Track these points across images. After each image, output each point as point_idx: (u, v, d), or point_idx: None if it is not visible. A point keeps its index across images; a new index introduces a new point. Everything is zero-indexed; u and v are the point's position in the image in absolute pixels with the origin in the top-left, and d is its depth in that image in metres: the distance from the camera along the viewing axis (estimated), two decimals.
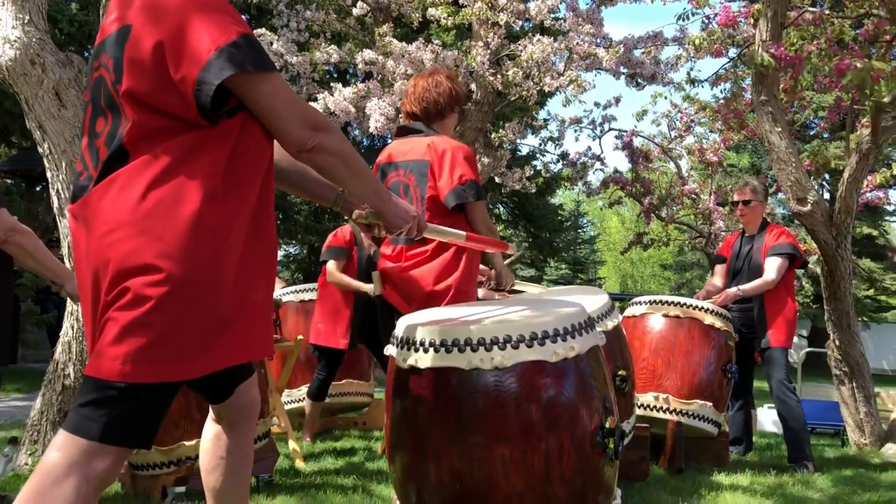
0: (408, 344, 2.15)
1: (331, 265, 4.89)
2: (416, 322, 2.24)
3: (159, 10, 1.61)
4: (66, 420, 1.61)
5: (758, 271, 4.77)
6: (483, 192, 3.22)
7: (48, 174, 4.06)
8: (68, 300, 3.99)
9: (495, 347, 2.02)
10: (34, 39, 3.83)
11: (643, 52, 7.31)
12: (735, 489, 3.89)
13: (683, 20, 7.32)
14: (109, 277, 1.57)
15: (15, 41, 3.80)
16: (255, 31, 7.24)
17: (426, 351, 2.09)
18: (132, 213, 1.57)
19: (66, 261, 4.00)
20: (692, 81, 7.81)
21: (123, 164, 1.61)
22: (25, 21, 3.85)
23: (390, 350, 2.29)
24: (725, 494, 3.75)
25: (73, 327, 4.05)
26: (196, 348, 1.59)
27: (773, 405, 5.09)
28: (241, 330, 1.68)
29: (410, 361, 2.12)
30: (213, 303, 1.60)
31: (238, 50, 1.58)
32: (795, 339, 5.18)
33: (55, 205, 4.11)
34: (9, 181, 13.88)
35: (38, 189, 12.99)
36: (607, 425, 2.12)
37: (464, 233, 2.43)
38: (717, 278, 5.14)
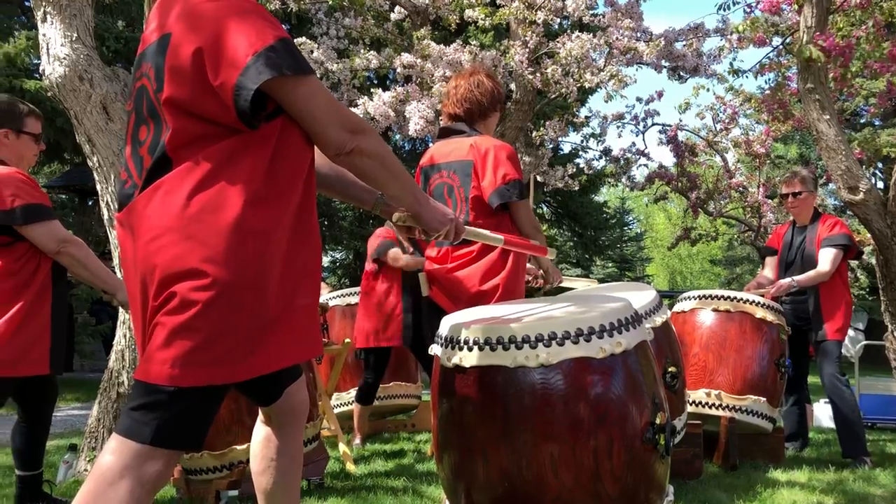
0: (452, 343, 2.15)
1: (392, 253, 4.85)
2: (460, 321, 2.24)
3: (197, 17, 1.63)
4: (119, 424, 1.63)
5: (811, 262, 4.66)
6: (526, 191, 3.21)
7: (98, 186, 4.15)
8: (121, 310, 4.09)
9: (540, 345, 2.00)
10: (82, 56, 3.93)
11: (685, 45, 7.21)
12: (792, 486, 3.80)
13: (725, 10, 7.19)
14: (156, 282, 1.60)
15: (64, 58, 3.90)
16: (295, 40, 7.35)
17: (470, 349, 2.08)
18: (176, 218, 1.59)
19: (117, 272, 4.08)
20: (735, 72, 7.66)
21: (167, 172, 1.63)
22: (73, 38, 3.94)
23: (435, 349, 2.29)
24: (783, 491, 3.66)
25: (125, 336, 4.13)
26: (243, 351, 1.61)
27: (828, 400, 4.97)
28: (287, 332, 1.69)
29: (455, 360, 2.12)
30: (258, 306, 1.62)
31: (275, 54, 1.59)
32: (851, 332, 5.06)
33: (105, 216, 4.20)
34: (62, 196, 14.27)
35: (89, 203, 13.31)
36: (657, 421, 2.09)
37: (502, 236, 2.42)
38: (767, 270, 5.03)
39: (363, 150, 1.74)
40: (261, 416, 2.05)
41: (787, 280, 4.59)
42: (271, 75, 1.58)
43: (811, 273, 4.57)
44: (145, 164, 1.68)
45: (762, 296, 4.49)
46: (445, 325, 2.24)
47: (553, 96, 7.44)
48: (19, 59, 8.35)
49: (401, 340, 4.85)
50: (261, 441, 2.04)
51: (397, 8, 7.46)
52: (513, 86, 7.11)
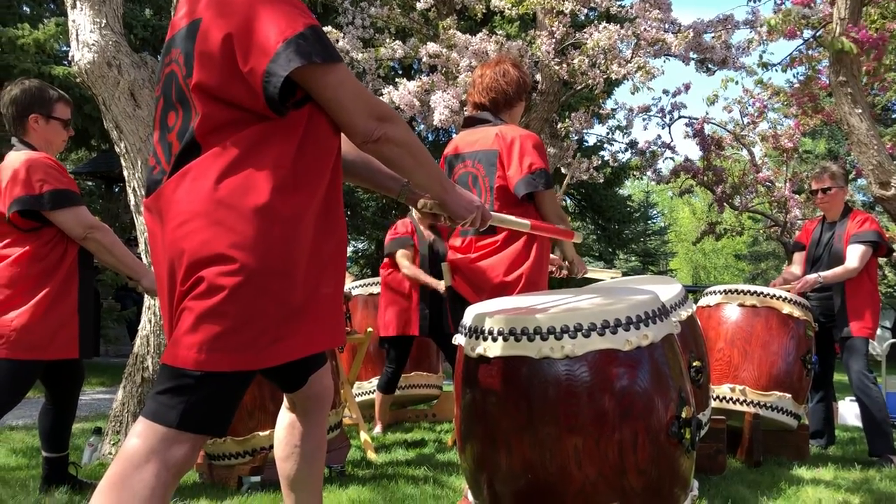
0: (476, 333, 2.14)
1: (401, 255, 4.90)
2: (484, 311, 2.23)
3: (227, 3, 1.63)
4: (145, 407, 1.64)
5: (839, 259, 4.59)
6: (552, 180, 3.18)
7: (125, 172, 4.18)
8: (146, 295, 4.12)
9: (566, 336, 1.99)
10: (111, 42, 3.95)
11: (713, 37, 7.13)
12: (817, 483, 3.76)
13: (755, 1, 7.10)
14: (184, 268, 1.60)
15: (93, 45, 3.93)
16: None
17: (495, 340, 2.07)
18: (204, 204, 1.60)
19: (143, 258, 4.12)
20: (765, 65, 7.56)
21: (195, 157, 1.63)
22: (102, 25, 3.97)
23: (459, 339, 2.28)
24: (807, 489, 3.62)
25: (150, 321, 4.17)
26: (269, 338, 1.61)
27: (854, 398, 4.90)
28: (313, 319, 1.69)
29: (479, 350, 2.11)
30: (285, 292, 1.62)
31: (305, 41, 1.59)
32: (879, 330, 4.97)
33: (131, 202, 4.23)
34: (89, 183, 14.42)
35: (116, 190, 13.45)
36: (683, 415, 2.07)
37: (528, 221, 2.40)
38: (795, 266, 4.97)
39: (390, 138, 1.73)
40: (285, 403, 2.06)
41: (812, 276, 4.53)
42: (301, 63, 1.57)
43: (838, 269, 4.51)
44: (174, 149, 1.68)
45: (788, 291, 4.44)
46: (470, 315, 2.23)
47: (579, 87, 7.40)
48: (48, 45, 8.42)
49: (418, 330, 4.86)
50: (285, 427, 2.05)
51: None
52: (538, 76, 7.07)
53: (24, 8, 10.85)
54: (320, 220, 1.71)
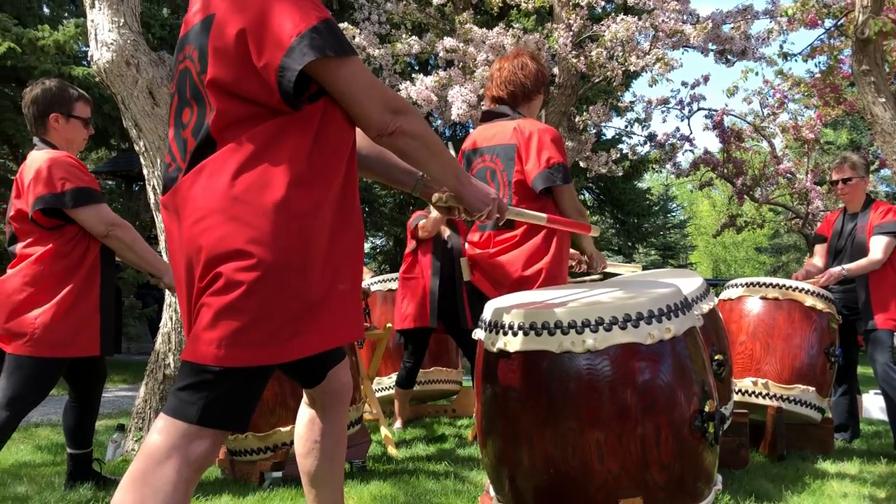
0: (496, 327, 2.13)
1: (422, 222, 4.81)
2: (504, 305, 2.21)
3: None
4: (167, 404, 1.65)
5: (862, 250, 4.53)
6: (570, 175, 3.16)
7: (144, 171, 4.20)
8: (167, 293, 4.15)
9: (587, 330, 1.97)
10: (129, 41, 3.97)
11: (732, 27, 7.06)
12: (842, 477, 3.72)
13: None
14: (202, 264, 1.60)
15: (111, 44, 3.95)
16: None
17: (515, 334, 2.06)
18: (221, 200, 1.59)
19: (163, 255, 4.14)
20: (785, 55, 7.47)
21: (211, 153, 1.63)
22: (120, 24, 3.99)
23: (479, 334, 2.27)
24: (832, 483, 3.58)
25: (171, 318, 4.19)
26: (288, 332, 1.61)
27: (879, 391, 4.84)
28: (331, 314, 1.68)
29: (499, 345, 2.09)
30: (302, 287, 1.61)
31: (319, 35, 1.58)
32: None
33: (151, 200, 4.26)
34: (110, 182, 14.53)
35: (136, 189, 13.55)
36: (706, 409, 2.05)
37: (545, 215, 2.38)
38: (817, 258, 4.91)
39: (405, 131, 1.73)
40: (305, 399, 2.06)
41: (836, 268, 4.47)
42: (315, 56, 1.56)
43: (862, 261, 4.45)
44: (189, 146, 1.68)
45: (812, 285, 4.38)
46: (489, 310, 2.22)
47: (597, 80, 7.34)
48: (68, 46, 8.49)
49: (430, 321, 4.83)
50: (305, 423, 2.04)
51: None
52: (556, 70, 7.03)
53: (45, 9, 10.95)
54: (337, 213, 1.70)
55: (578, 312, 2.00)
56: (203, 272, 1.60)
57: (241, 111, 1.63)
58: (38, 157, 3.08)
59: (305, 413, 2.06)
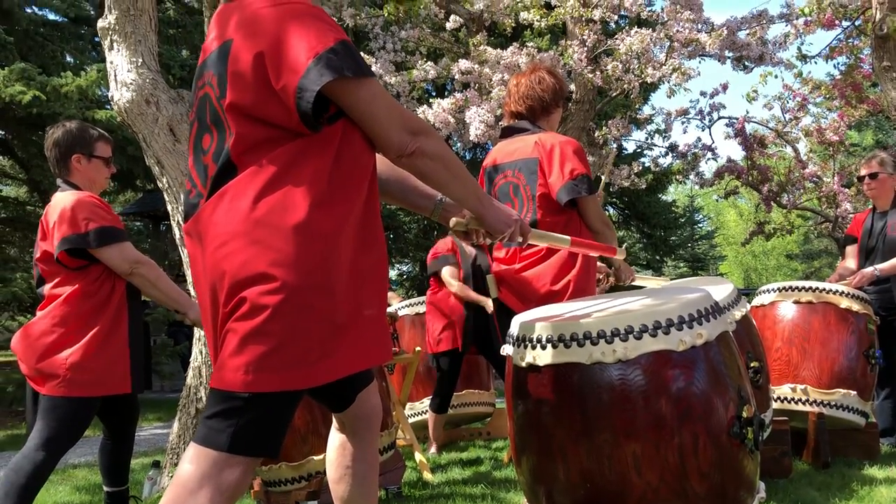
0: (524, 342, 2.10)
1: (446, 272, 4.87)
2: (531, 318, 2.19)
3: (258, 22, 1.63)
4: (197, 433, 1.64)
5: (894, 248, 4.44)
6: (594, 186, 3.14)
7: (168, 207, 4.24)
8: (195, 328, 4.16)
9: (616, 339, 1.94)
10: (147, 80, 4.03)
11: (748, 33, 7.03)
12: (891, 483, 3.61)
13: None
14: (226, 289, 1.60)
15: (131, 83, 4.01)
16: None
17: (544, 347, 2.02)
18: (243, 223, 1.59)
19: (191, 292, 4.16)
20: (803, 57, 7.41)
21: (232, 178, 1.64)
22: (139, 64, 4.05)
23: (507, 350, 2.24)
24: (881, 489, 3.48)
25: (201, 352, 4.21)
26: (315, 355, 1.59)
27: None
28: (357, 336, 1.67)
29: (528, 359, 2.06)
30: (328, 309, 1.60)
31: (336, 56, 1.59)
32: None
33: (177, 237, 4.29)
34: (137, 223, 14.74)
35: (163, 228, 13.71)
36: (744, 415, 2.00)
37: (568, 237, 2.35)
38: (849, 260, 4.82)
39: (425, 152, 1.72)
40: (335, 424, 2.04)
41: (869, 269, 4.38)
42: (332, 77, 1.57)
43: (894, 260, 4.36)
44: (210, 171, 1.69)
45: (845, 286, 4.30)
46: (516, 324, 2.20)
47: (615, 94, 7.33)
48: (91, 91, 8.68)
49: (463, 344, 4.81)
50: (336, 448, 2.02)
51: (452, 17, 7.47)
52: (573, 86, 7.03)
53: (68, 57, 11.19)
54: (359, 235, 1.70)
55: (607, 322, 1.97)
56: (227, 297, 1.60)
57: (261, 134, 1.64)
58: (62, 199, 3.11)
59: (336, 438, 2.04)
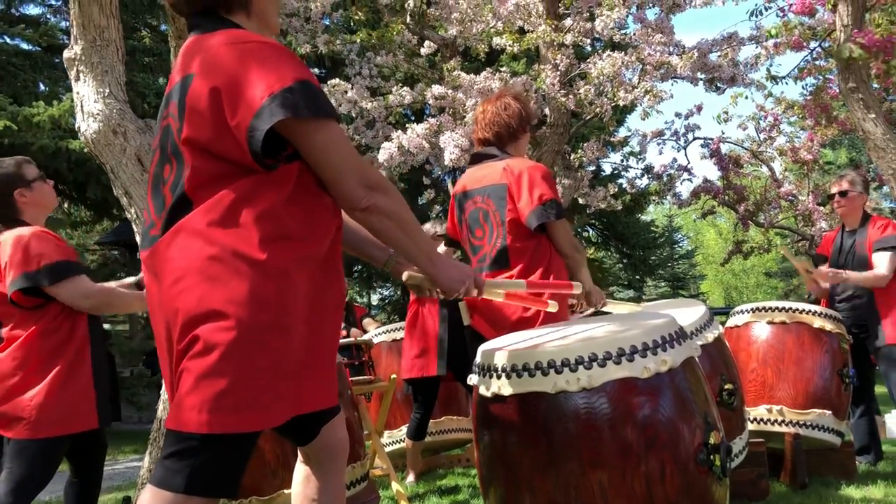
0: (489, 371, 2.08)
1: None
2: (494, 348, 2.17)
3: (218, 58, 1.62)
4: (153, 474, 1.60)
5: (863, 265, 4.48)
6: (563, 210, 3.14)
7: (137, 238, 4.20)
8: None
9: (580, 367, 1.92)
10: (115, 111, 4.00)
11: (720, 55, 7.10)
12: (868, 502, 3.61)
13: (757, 16, 7.07)
14: (180, 326, 1.57)
15: (98, 114, 3.98)
16: (329, 82, 7.44)
17: (508, 377, 2.00)
18: (197, 260, 1.57)
19: None
20: (773, 78, 7.50)
21: (187, 211, 1.62)
22: (106, 94, 4.02)
23: (473, 379, 2.22)
24: None
25: None
26: (270, 396, 1.57)
27: None
28: (314, 374, 1.65)
29: (493, 389, 2.04)
30: (282, 347, 1.58)
31: (292, 95, 1.56)
32: None
33: None
34: (115, 252, 14.61)
35: (139, 257, 13.59)
36: (711, 441, 1.98)
37: (524, 281, 2.36)
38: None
39: (380, 209, 1.69)
40: (300, 456, 2.01)
41: (842, 273, 4.40)
42: (284, 116, 1.54)
43: (868, 275, 4.39)
44: (167, 202, 1.67)
45: (819, 287, 4.31)
46: (480, 354, 2.18)
47: (588, 117, 7.38)
48: (63, 120, 8.62)
49: (437, 369, 4.78)
50: (301, 482, 2.00)
51: (427, 42, 7.51)
52: (546, 110, 7.07)
53: (41, 87, 11.13)
54: (318, 273, 1.67)
55: (570, 350, 1.95)
56: (181, 335, 1.57)
57: (216, 169, 1.62)
58: (10, 237, 3.01)
59: (301, 471, 2.01)
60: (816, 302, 4.85)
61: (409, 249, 1.82)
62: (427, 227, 5.13)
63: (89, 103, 3.99)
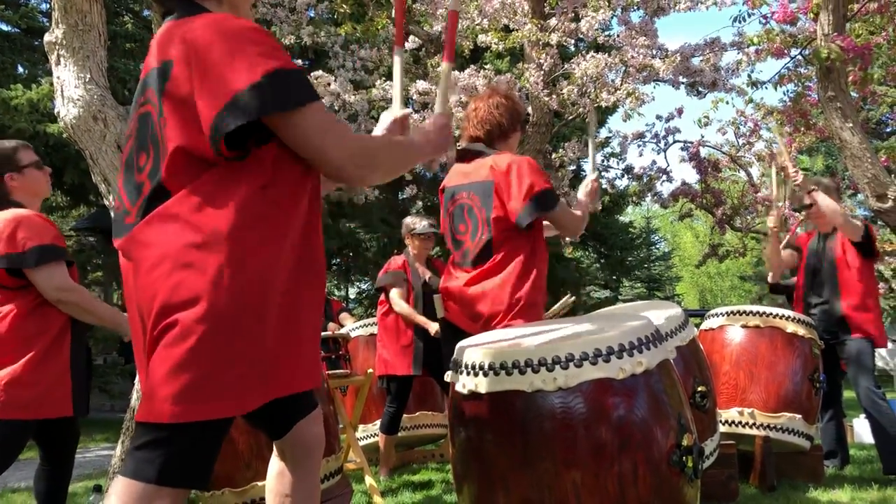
0: (466, 368, 2.09)
1: (394, 294, 4.86)
2: (472, 345, 2.18)
3: (195, 45, 1.59)
4: (124, 465, 1.59)
5: (834, 267, 4.61)
6: (557, 196, 3.13)
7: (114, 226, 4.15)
8: None
9: (557, 367, 1.93)
10: (96, 96, 3.95)
11: (702, 60, 7.16)
12: None
13: (739, 22, 7.13)
14: (154, 313, 1.56)
15: (78, 99, 3.93)
16: (312, 74, 7.40)
17: (486, 375, 2.01)
18: (173, 247, 1.56)
19: None
20: (754, 84, 7.57)
21: (165, 198, 1.60)
22: (87, 80, 3.97)
23: (450, 375, 2.22)
24: None
25: None
26: (244, 383, 1.56)
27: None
28: (288, 361, 1.64)
29: (470, 386, 2.05)
30: (257, 335, 1.57)
31: (258, 91, 1.55)
32: (890, 344, 4.90)
33: None
34: (91, 238, 14.44)
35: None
36: (684, 443, 2.00)
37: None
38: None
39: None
40: (275, 451, 2.00)
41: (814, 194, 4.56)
42: (246, 120, 1.54)
43: (833, 204, 4.48)
44: (144, 190, 1.65)
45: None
46: (458, 351, 2.19)
47: (570, 117, 7.40)
48: (42, 104, 8.51)
49: (413, 368, 4.80)
50: (275, 476, 1.99)
51: (411, 37, 7.49)
52: (529, 109, 7.09)
53: (20, 70, 10.98)
54: (295, 259, 1.67)
55: (548, 349, 1.97)
56: (155, 322, 1.56)
57: (194, 157, 1.60)
58: (2, 217, 3.03)
59: (275, 465, 2.00)
60: (788, 301, 4.97)
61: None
62: (409, 220, 5.12)
63: (69, 88, 3.94)
